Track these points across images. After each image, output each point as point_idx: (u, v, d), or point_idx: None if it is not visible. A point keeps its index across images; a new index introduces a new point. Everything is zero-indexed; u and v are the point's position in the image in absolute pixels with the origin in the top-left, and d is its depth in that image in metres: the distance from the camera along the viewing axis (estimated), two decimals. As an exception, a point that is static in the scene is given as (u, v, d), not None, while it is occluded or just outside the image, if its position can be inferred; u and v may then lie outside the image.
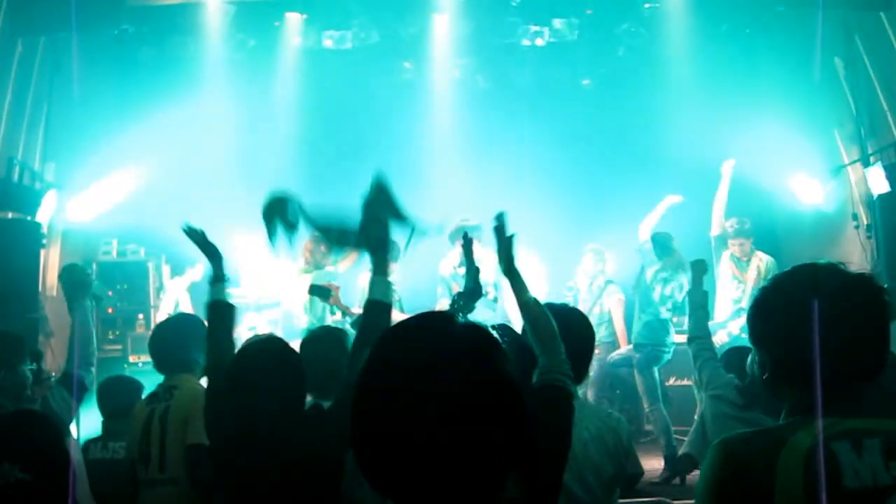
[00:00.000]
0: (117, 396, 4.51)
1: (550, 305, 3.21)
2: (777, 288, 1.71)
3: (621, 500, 5.09)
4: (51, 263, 7.97)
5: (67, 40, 8.01)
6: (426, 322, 1.26)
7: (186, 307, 7.77)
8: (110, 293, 8.61)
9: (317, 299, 7.02)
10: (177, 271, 8.46)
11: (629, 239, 7.68)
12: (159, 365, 3.89)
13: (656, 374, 7.06)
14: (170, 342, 3.87)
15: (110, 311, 8.71)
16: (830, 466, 1.51)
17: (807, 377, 1.58)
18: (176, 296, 8.07)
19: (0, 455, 2.17)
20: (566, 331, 2.90)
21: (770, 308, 1.70)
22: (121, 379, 5.05)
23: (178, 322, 4.22)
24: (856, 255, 7.58)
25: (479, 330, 1.25)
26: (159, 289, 8.83)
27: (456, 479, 1.13)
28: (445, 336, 1.21)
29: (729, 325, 7.51)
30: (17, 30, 7.37)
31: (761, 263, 7.61)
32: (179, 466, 3.52)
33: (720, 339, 7.28)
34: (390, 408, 1.15)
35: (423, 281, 7.81)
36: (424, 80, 9.75)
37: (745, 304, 7.46)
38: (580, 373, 2.97)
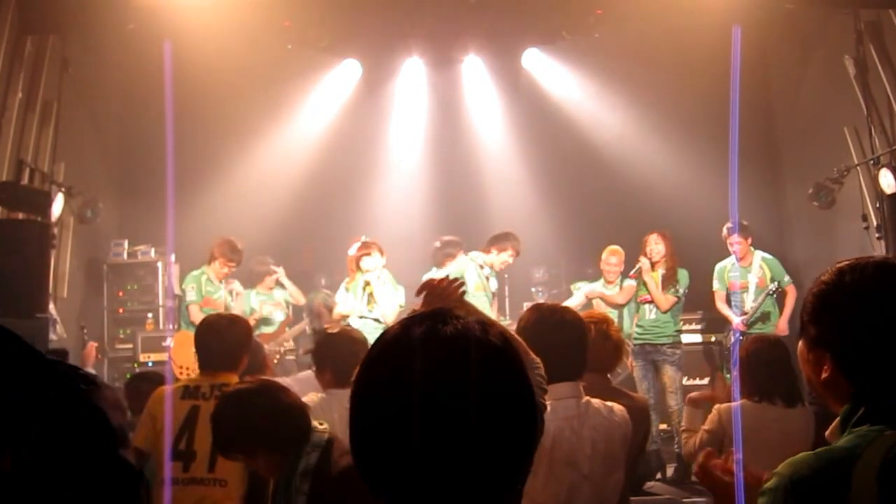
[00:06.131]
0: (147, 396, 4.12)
1: (541, 305, 3.16)
2: (846, 284, 1.54)
3: (632, 499, 5.07)
4: (61, 265, 7.98)
5: (77, 39, 8.00)
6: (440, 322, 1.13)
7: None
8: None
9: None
10: (184, 271, 8.40)
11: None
12: (207, 361, 3.75)
13: None
14: (224, 339, 3.75)
15: (121, 311, 8.76)
16: None
17: (874, 380, 1.47)
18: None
19: None
20: (560, 329, 2.91)
21: (842, 305, 1.53)
22: (148, 376, 4.92)
23: (232, 321, 4.04)
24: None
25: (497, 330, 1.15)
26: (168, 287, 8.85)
27: (468, 488, 1.06)
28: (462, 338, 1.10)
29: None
30: (26, 28, 7.35)
31: (764, 264, 7.55)
32: (233, 469, 3.47)
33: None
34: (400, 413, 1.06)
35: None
36: (431, 79, 9.74)
37: (749, 307, 7.44)
38: (578, 371, 2.97)
